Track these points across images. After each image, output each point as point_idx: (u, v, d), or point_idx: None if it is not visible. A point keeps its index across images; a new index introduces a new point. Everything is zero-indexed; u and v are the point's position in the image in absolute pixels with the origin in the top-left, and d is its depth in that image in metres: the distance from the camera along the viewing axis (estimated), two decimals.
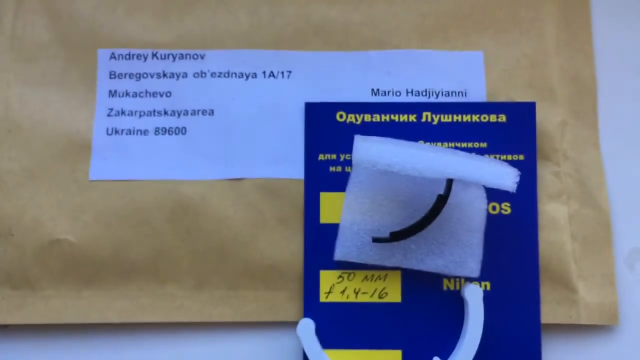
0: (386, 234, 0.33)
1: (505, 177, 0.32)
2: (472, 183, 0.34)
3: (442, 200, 0.33)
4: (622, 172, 0.37)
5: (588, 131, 0.37)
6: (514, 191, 0.32)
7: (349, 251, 0.34)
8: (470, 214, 0.34)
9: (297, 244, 0.35)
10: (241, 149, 0.36)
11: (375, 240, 0.33)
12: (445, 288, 0.35)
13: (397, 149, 0.31)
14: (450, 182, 0.33)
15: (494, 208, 0.35)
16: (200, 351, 0.35)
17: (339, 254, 0.34)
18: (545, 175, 0.36)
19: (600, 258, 0.36)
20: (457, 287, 0.35)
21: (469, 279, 0.34)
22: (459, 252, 0.34)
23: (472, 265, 0.34)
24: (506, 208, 0.35)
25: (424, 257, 0.34)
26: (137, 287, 0.35)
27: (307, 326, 0.34)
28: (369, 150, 0.31)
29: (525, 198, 0.35)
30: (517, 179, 0.32)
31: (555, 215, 0.36)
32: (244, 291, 0.35)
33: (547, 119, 0.36)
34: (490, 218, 0.35)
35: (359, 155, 0.32)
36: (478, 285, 0.34)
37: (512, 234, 0.35)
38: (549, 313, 0.35)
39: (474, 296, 0.34)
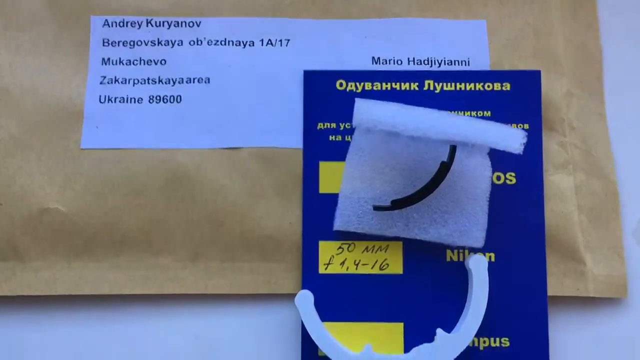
0: (387, 203, 0.32)
1: (512, 138, 0.31)
2: (476, 151, 0.33)
3: (445, 168, 0.32)
4: (629, 143, 0.36)
5: (594, 102, 0.36)
6: (521, 152, 0.31)
7: (349, 220, 0.33)
8: (475, 182, 0.33)
9: (296, 214, 0.34)
10: (238, 117, 0.35)
11: (376, 208, 0.32)
12: (448, 259, 0.34)
13: (399, 109, 0.30)
14: (453, 148, 0.32)
15: (498, 178, 0.34)
16: (195, 324, 0.34)
17: (338, 224, 0.33)
18: (551, 145, 0.35)
19: (608, 230, 0.35)
20: (461, 259, 0.34)
21: (473, 250, 0.33)
22: (462, 221, 0.33)
23: (477, 234, 0.33)
24: (511, 178, 0.34)
25: (426, 226, 0.33)
26: (130, 258, 0.34)
27: (305, 298, 0.33)
28: (370, 110, 0.30)
29: (530, 168, 0.34)
30: (524, 141, 0.31)
31: (561, 185, 0.35)
32: (240, 263, 0.34)
33: (552, 89, 0.36)
34: (494, 188, 0.34)
35: (361, 115, 0.30)
36: (483, 255, 0.33)
37: (517, 205, 0.34)
38: (555, 285, 0.34)
39: (478, 266, 0.33)
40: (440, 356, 0.32)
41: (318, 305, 0.33)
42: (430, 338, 0.33)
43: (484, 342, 0.33)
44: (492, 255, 0.34)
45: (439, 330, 0.32)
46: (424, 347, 0.32)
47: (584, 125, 0.36)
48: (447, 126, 0.30)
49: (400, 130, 0.30)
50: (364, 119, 0.30)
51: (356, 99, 0.31)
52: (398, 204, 0.32)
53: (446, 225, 0.33)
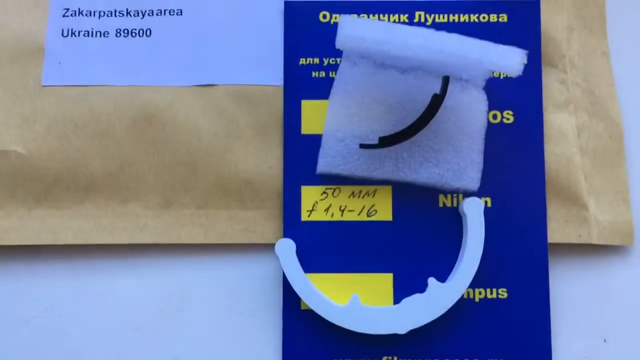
0: (375, 141, 0.30)
1: (511, 57, 0.28)
2: (470, 85, 0.30)
3: (437, 100, 0.29)
4: (633, 83, 0.34)
5: (596, 39, 0.34)
6: (521, 73, 0.28)
7: (333, 161, 0.31)
8: (469, 118, 0.30)
9: (276, 157, 0.31)
10: (213, 52, 0.32)
11: (363, 146, 0.30)
12: (441, 205, 0.31)
13: (388, 26, 0.27)
14: (446, 79, 0.29)
15: (494, 117, 0.32)
16: (167, 277, 0.31)
17: (322, 165, 0.31)
18: (551, 82, 0.32)
19: (613, 174, 0.32)
20: (454, 204, 0.31)
21: (468, 194, 0.31)
22: (456, 160, 0.30)
23: (472, 174, 0.30)
24: (508, 116, 0.32)
25: (417, 166, 0.30)
26: (96, 205, 0.31)
27: (287, 246, 0.30)
28: (355, 27, 0.27)
29: (529, 106, 0.32)
30: (524, 60, 0.28)
31: (562, 126, 0.32)
32: (216, 210, 0.31)
33: (552, 23, 0.33)
34: (490, 128, 0.31)
35: (345, 32, 0.27)
36: (478, 198, 0.30)
37: (515, 145, 0.31)
38: (556, 232, 0.31)
39: (474, 210, 0.30)
40: (433, 307, 0.30)
41: (301, 255, 0.31)
42: (421, 289, 0.30)
43: (480, 293, 0.31)
44: (489, 200, 0.31)
45: (431, 279, 0.30)
46: (415, 297, 0.30)
47: (586, 62, 0.33)
48: (439, 44, 0.27)
49: (387, 49, 0.27)
50: (349, 37, 0.27)
51: (341, 15, 0.28)
52: (386, 141, 0.29)
53: (439, 165, 0.30)
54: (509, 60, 0.28)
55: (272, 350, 0.31)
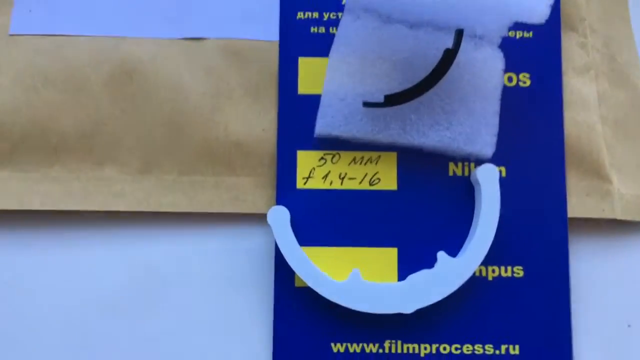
0: (380, 99, 0.27)
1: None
2: (485, 43, 0.27)
3: (450, 55, 0.26)
4: None
5: (616, 3, 0.32)
6: (547, 17, 0.25)
7: (333, 122, 0.28)
8: (484, 76, 0.27)
9: (270, 119, 0.29)
10: (202, 1, 0.29)
11: (366, 104, 0.27)
12: (451, 173, 0.28)
13: None
14: (460, 32, 0.26)
15: (510, 79, 0.29)
16: (145, 250, 0.28)
17: (321, 126, 0.28)
18: (570, 46, 0.30)
19: (636, 145, 0.30)
20: (466, 173, 0.28)
21: (481, 161, 0.28)
22: (470, 123, 0.27)
23: (486, 138, 0.28)
24: (525, 79, 0.29)
25: (426, 129, 0.28)
26: (67, 168, 0.28)
27: (280, 215, 0.27)
28: None
29: (547, 69, 0.29)
30: (551, 2, 0.26)
31: (582, 91, 0.29)
32: (202, 176, 0.28)
33: None
34: (506, 91, 0.28)
35: None
36: (494, 165, 0.28)
37: (532, 110, 0.29)
38: (577, 206, 0.28)
39: (488, 178, 0.27)
40: (442, 284, 0.27)
41: (296, 226, 0.27)
42: (429, 265, 0.27)
43: (494, 271, 0.28)
44: (503, 169, 0.28)
45: (440, 254, 0.27)
46: (423, 274, 0.27)
47: (606, 27, 0.31)
48: None
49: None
50: None
51: None
52: (393, 100, 0.26)
53: (450, 127, 0.27)
54: (533, 1, 0.25)
55: (262, 332, 0.28)
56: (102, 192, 0.28)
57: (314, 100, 0.28)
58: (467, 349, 0.27)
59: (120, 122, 0.28)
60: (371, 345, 0.27)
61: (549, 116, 0.29)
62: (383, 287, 0.27)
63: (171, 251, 0.28)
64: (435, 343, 0.27)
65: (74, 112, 0.28)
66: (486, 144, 0.27)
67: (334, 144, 0.28)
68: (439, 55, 0.27)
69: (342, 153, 0.28)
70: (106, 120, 0.28)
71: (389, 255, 0.28)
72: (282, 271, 0.27)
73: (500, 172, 0.28)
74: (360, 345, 0.27)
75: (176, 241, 0.28)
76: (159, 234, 0.28)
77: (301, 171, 0.28)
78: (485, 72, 0.27)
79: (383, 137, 0.28)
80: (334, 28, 0.29)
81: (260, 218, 0.28)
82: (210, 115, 0.28)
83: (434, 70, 0.26)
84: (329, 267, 0.27)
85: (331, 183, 0.28)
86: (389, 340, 0.27)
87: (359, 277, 0.27)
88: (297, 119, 0.28)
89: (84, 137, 0.28)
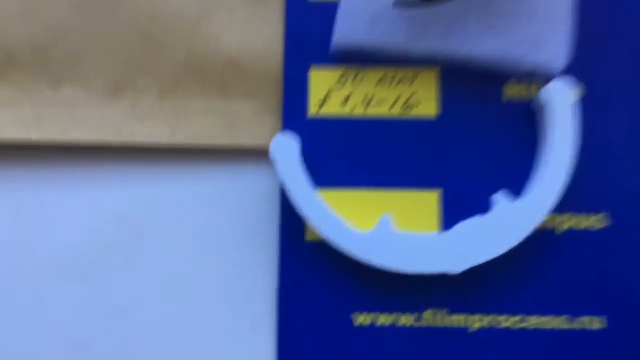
0: None
1: None
2: None
3: None
4: None
5: None
6: None
7: (355, 28, 0.22)
8: None
9: (274, 29, 0.23)
10: None
11: (398, 3, 0.21)
12: (507, 95, 0.22)
13: None
14: None
15: None
16: (116, 193, 0.23)
17: (340, 35, 0.22)
18: None
19: None
20: (526, 95, 0.22)
21: (548, 78, 0.22)
22: (535, 27, 0.21)
23: (556, 48, 0.21)
24: None
25: (477, 35, 0.21)
26: (16, 87, 0.23)
27: (287, 147, 0.21)
28: None
29: None
30: None
31: None
32: (188, 100, 0.23)
33: None
34: None
35: None
36: (567, 82, 0.21)
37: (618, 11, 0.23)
38: None
39: (559, 101, 0.21)
40: (499, 236, 0.21)
41: (308, 163, 0.22)
42: (480, 211, 0.21)
43: (566, 221, 0.21)
44: (581, 89, 0.22)
45: (498, 196, 0.21)
46: (474, 221, 0.21)
47: None
48: None
49: None
50: None
51: None
52: None
53: (507, 31, 0.21)
54: None
55: (263, 299, 0.22)
56: (61, 119, 0.23)
57: (330, 7, 0.23)
58: (533, 321, 0.21)
59: (84, 31, 0.23)
60: (406, 316, 0.21)
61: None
62: (421, 239, 0.21)
63: (148, 195, 0.23)
64: (490, 314, 0.21)
65: (26, 20, 0.23)
66: (556, 54, 0.21)
67: (356, 59, 0.23)
68: None
69: (368, 70, 0.22)
70: (66, 29, 0.23)
71: (429, 199, 0.22)
72: (290, 220, 0.22)
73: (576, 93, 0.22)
74: (392, 315, 0.21)
75: (154, 182, 0.23)
76: (133, 172, 0.23)
77: (314, 94, 0.22)
78: None
79: (419, 47, 0.22)
80: None
81: (261, 153, 0.22)
82: (198, 24, 0.23)
83: None
84: (351, 214, 0.22)
85: (353, 108, 0.22)
86: (429, 310, 0.21)
87: (389, 226, 0.21)
88: (309, 28, 0.23)
89: (39, 50, 0.23)
